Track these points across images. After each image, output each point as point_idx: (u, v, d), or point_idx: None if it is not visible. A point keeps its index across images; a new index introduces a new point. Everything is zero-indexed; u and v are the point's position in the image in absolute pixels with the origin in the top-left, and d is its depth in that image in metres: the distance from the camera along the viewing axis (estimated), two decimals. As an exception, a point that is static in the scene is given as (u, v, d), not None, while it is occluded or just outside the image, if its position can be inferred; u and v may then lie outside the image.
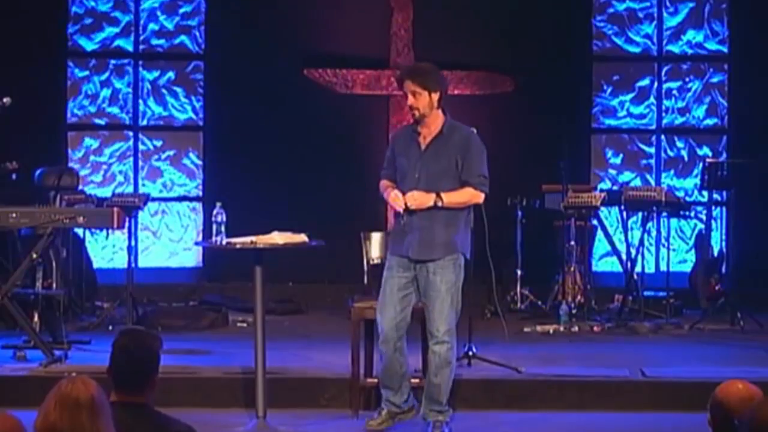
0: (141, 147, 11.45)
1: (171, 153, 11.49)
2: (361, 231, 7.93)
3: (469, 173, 6.53)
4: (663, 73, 11.47)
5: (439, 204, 6.47)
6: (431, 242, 6.50)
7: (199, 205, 11.47)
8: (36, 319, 8.57)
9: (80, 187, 10.08)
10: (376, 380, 6.92)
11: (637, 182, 11.22)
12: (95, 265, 10.58)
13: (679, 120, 11.49)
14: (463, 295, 6.63)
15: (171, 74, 11.46)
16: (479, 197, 6.61)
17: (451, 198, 6.50)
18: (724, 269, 10.29)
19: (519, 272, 10.30)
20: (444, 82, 6.71)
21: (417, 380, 6.87)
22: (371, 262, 7.77)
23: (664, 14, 11.45)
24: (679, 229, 11.28)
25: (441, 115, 6.59)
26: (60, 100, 11.25)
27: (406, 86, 6.54)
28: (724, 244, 10.41)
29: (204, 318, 9.77)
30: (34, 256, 8.03)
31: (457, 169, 6.53)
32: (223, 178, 11.16)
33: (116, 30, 11.37)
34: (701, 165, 10.37)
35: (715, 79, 11.43)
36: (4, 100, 8.02)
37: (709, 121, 11.45)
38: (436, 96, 6.52)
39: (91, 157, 11.38)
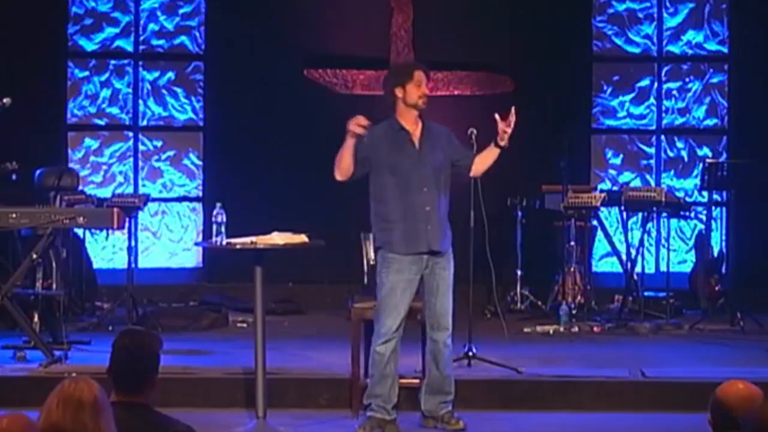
0: (141, 147, 11.45)
1: (171, 153, 11.48)
2: (361, 231, 7.92)
3: (467, 153, 6.88)
4: (663, 73, 11.47)
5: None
6: (444, 233, 6.67)
7: (199, 206, 11.46)
8: (36, 319, 8.56)
9: (80, 188, 10.06)
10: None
11: (637, 182, 11.22)
12: (95, 266, 10.59)
13: (679, 120, 11.49)
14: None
15: (171, 74, 11.46)
16: None
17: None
18: (724, 269, 10.29)
19: (519, 272, 10.30)
20: None
21: (417, 380, 6.86)
22: (371, 262, 7.74)
23: (664, 15, 11.45)
24: (679, 229, 11.27)
25: None
26: (60, 101, 11.24)
27: (427, 78, 6.77)
28: (724, 244, 10.41)
29: (204, 318, 9.77)
30: (34, 256, 8.03)
31: (447, 159, 6.75)
32: (223, 179, 11.15)
33: (116, 30, 11.37)
34: (701, 165, 10.37)
35: (715, 80, 11.43)
36: (4, 100, 8.01)
37: (709, 122, 11.45)
38: None
39: (91, 158, 11.38)
